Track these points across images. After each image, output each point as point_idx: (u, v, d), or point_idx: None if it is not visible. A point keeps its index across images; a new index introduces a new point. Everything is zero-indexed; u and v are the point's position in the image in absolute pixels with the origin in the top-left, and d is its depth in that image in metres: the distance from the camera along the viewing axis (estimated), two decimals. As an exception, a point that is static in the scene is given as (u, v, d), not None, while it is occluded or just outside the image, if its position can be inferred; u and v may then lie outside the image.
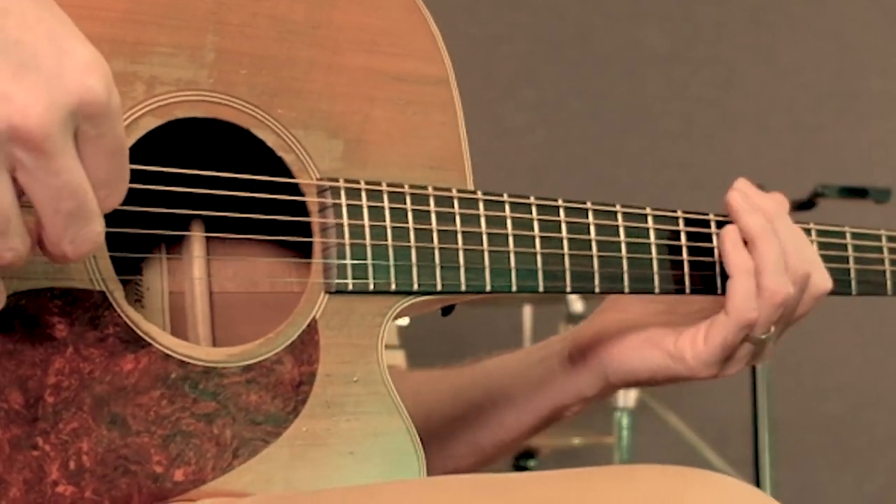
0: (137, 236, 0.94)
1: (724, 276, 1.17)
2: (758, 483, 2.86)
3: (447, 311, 1.11)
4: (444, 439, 1.26)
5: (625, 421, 3.03)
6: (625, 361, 1.21)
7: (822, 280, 1.20)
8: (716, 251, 1.18)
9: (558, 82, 3.92)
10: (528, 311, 3.40)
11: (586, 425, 3.33)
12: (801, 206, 2.89)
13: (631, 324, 1.22)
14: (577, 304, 2.92)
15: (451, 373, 1.32)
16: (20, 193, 0.76)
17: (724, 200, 1.18)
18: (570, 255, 1.10)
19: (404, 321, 2.68)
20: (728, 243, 1.16)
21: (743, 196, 1.17)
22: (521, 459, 3.24)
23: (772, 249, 1.15)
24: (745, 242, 1.16)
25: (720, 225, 1.19)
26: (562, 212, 1.10)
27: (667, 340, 1.19)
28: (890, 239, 1.32)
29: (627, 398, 2.94)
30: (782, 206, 1.19)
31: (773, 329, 1.16)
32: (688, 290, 1.17)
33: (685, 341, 1.18)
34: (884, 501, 3.87)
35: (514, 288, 1.06)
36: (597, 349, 1.22)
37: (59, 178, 0.75)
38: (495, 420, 1.26)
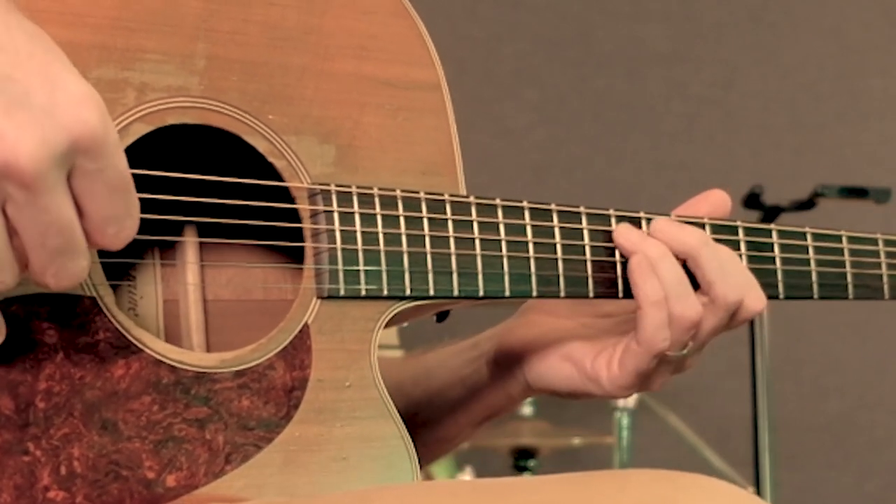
0: (129, 242, 0.94)
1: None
2: (758, 483, 2.86)
3: (442, 316, 1.11)
4: None
5: (625, 421, 3.03)
6: (543, 376, 1.19)
7: (754, 301, 1.15)
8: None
9: (559, 82, 3.92)
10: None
11: (586, 425, 3.33)
12: (801, 206, 2.88)
13: (555, 331, 1.20)
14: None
15: (395, 364, 1.32)
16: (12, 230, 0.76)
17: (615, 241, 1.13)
18: (564, 260, 1.09)
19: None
20: (636, 274, 1.11)
21: (626, 229, 1.13)
22: (521, 459, 3.24)
23: (670, 275, 1.11)
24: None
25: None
26: (555, 216, 1.10)
27: (585, 360, 1.16)
28: (887, 243, 1.30)
29: (627, 398, 2.94)
30: (704, 235, 1.14)
31: (690, 345, 1.13)
32: None
33: (601, 364, 1.15)
34: (884, 501, 3.87)
35: (507, 293, 1.06)
36: (519, 359, 1.21)
37: (48, 215, 0.75)
38: (433, 419, 1.26)
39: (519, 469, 3.23)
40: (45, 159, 0.73)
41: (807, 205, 2.88)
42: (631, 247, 1.12)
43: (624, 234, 1.13)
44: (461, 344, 1.28)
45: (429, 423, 1.26)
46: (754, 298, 1.15)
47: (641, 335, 1.11)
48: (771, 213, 2.90)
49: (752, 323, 2.85)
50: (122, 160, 0.78)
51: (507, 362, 1.22)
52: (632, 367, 1.12)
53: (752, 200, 2.90)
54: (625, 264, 1.13)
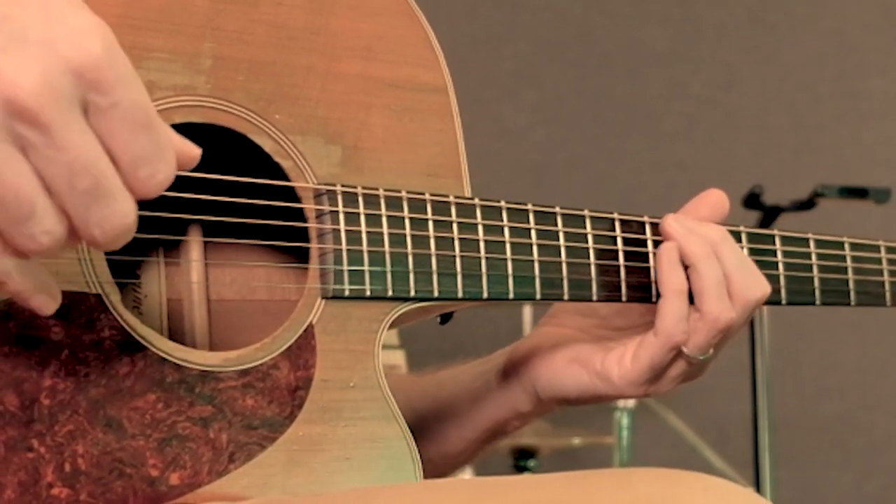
0: (134, 240, 0.94)
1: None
2: (758, 483, 2.86)
3: (445, 318, 1.11)
4: None
5: (625, 421, 3.03)
6: (552, 379, 1.18)
7: (764, 294, 1.16)
8: None
9: (559, 82, 3.92)
10: (528, 312, 3.40)
11: (586, 425, 3.34)
12: (801, 206, 2.89)
13: (563, 340, 1.20)
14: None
15: (408, 380, 1.31)
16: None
17: (660, 228, 1.14)
18: (568, 263, 1.10)
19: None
20: (664, 261, 1.11)
21: (678, 221, 1.13)
22: (521, 459, 3.24)
23: (712, 273, 1.11)
24: (686, 266, 1.13)
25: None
26: (559, 219, 1.10)
27: (594, 359, 1.16)
28: (889, 250, 1.30)
29: (627, 399, 2.94)
30: (725, 233, 1.15)
31: (711, 350, 1.14)
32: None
33: (612, 360, 1.14)
34: (884, 501, 3.88)
35: (511, 295, 1.06)
36: (528, 366, 1.20)
37: (68, 153, 0.71)
38: (440, 433, 1.25)
39: (519, 469, 3.23)
40: (48, 92, 0.69)
41: (807, 205, 2.89)
42: (674, 236, 1.12)
43: (672, 225, 1.13)
44: (474, 362, 1.28)
45: (436, 436, 1.25)
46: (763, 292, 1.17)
47: (661, 325, 1.11)
48: (771, 214, 2.91)
49: (752, 323, 2.85)
50: (139, 92, 0.74)
51: (516, 372, 1.21)
52: (646, 361, 1.12)
53: (752, 200, 2.90)
54: (629, 269, 1.13)
